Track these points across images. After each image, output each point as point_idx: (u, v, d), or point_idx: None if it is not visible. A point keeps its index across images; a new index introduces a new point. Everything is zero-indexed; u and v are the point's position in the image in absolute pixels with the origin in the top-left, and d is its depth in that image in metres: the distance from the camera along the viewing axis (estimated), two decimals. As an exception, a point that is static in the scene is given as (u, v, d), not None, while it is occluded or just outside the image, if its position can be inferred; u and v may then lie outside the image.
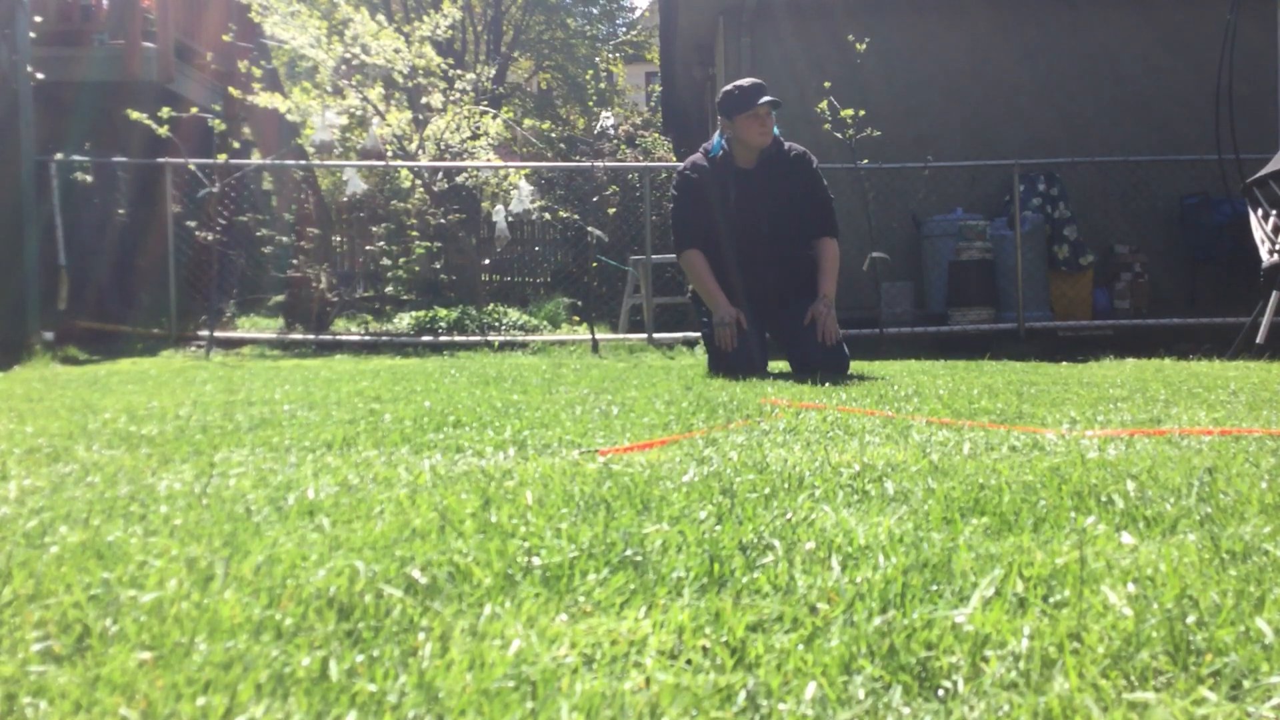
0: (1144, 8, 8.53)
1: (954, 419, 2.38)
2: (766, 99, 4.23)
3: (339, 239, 12.72)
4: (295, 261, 8.53)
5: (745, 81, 4.36)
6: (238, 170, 7.84)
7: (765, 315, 4.40)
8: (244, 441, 2.15)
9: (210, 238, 7.49)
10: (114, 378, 4.60)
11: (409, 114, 9.20)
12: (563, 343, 7.19)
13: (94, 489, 1.59)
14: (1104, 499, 1.37)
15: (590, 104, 23.47)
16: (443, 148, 8.84)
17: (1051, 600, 0.95)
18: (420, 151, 8.86)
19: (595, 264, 9.27)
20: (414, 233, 8.66)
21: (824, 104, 7.11)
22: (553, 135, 20.75)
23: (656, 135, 16.46)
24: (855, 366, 4.50)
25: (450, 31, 11.40)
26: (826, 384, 3.48)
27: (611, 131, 16.45)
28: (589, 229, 8.67)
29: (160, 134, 7.16)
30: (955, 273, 7.73)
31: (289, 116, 8.93)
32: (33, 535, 1.26)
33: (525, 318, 8.24)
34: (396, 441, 2.09)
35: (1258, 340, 5.45)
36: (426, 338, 7.39)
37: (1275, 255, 5.47)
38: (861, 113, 6.99)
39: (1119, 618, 0.89)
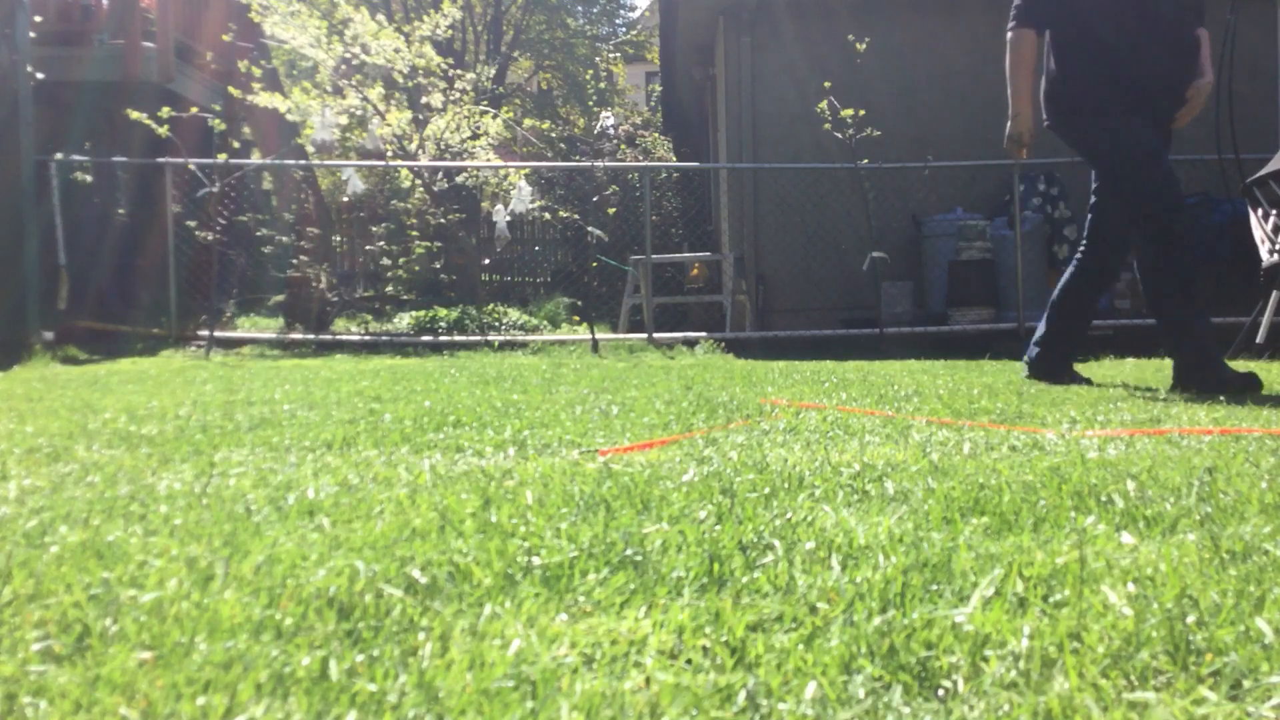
0: (1144, 8, 8.51)
1: (954, 419, 2.38)
2: None
3: (339, 239, 12.71)
4: (295, 261, 8.53)
5: None
6: (238, 170, 7.83)
7: (1159, 124, 3.89)
8: (244, 441, 2.15)
9: (210, 237, 7.49)
10: (114, 377, 4.59)
11: (409, 114, 9.19)
12: (563, 342, 7.18)
13: (94, 489, 1.59)
14: (1104, 499, 1.37)
15: (590, 104, 23.46)
16: (443, 148, 8.83)
17: (1051, 600, 0.95)
18: (420, 151, 8.85)
19: (595, 264, 9.27)
20: (414, 233, 8.66)
21: (824, 104, 7.11)
22: (553, 135, 20.75)
23: (656, 135, 16.47)
24: (855, 367, 4.49)
25: (450, 31, 11.40)
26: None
27: (611, 131, 16.47)
28: (589, 229, 8.68)
29: (160, 134, 7.16)
30: (955, 272, 7.72)
31: (289, 116, 8.92)
32: (33, 535, 1.26)
33: (525, 317, 8.24)
34: (396, 441, 2.09)
35: (1257, 340, 5.44)
36: (426, 338, 7.39)
37: (1275, 255, 5.47)
38: (861, 113, 6.99)
39: (1119, 617, 0.89)
